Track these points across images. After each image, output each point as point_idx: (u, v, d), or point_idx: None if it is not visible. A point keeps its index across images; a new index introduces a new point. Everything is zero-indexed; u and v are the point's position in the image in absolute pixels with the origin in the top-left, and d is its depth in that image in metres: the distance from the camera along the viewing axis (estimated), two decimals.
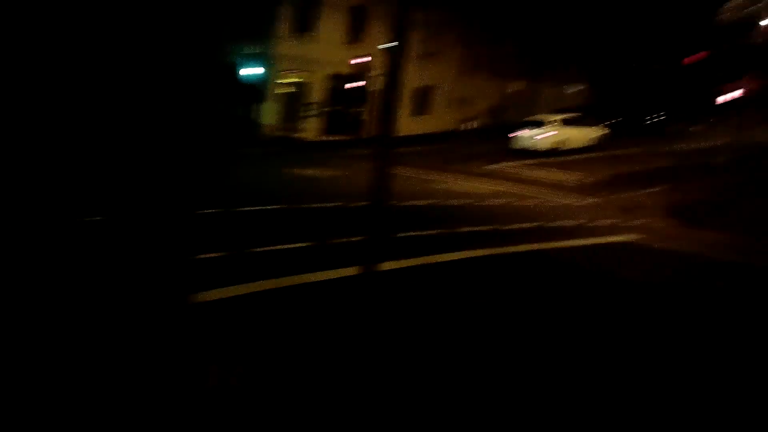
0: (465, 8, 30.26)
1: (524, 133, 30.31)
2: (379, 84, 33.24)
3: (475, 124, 36.38)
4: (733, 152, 22.15)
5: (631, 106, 41.40)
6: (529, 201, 18.15)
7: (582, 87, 46.98)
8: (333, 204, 14.24)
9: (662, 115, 43.74)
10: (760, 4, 31.72)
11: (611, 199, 20.29)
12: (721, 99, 22.52)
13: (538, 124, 30.44)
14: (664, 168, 25.46)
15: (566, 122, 30.81)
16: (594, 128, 32.27)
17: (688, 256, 12.71)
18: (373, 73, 32.04)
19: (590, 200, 20.10)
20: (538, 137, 29.82)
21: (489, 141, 35.58)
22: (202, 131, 26.44)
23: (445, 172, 22.70)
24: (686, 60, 28.66)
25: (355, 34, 33.96)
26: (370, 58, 29.87)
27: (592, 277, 9.99)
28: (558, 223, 14.50)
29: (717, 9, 36.98)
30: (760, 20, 33.76)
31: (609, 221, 15.68)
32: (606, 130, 32.97)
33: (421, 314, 7.31)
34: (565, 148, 30.06)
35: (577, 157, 29.80)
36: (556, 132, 30.09)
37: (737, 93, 21.51)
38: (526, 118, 31.95)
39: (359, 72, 29.99)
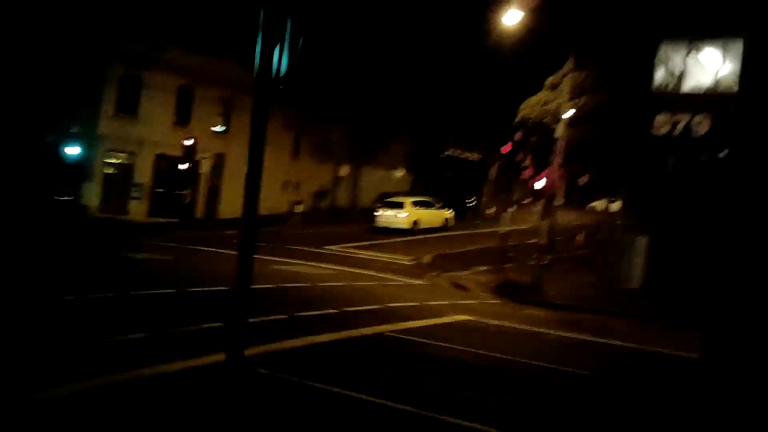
0: (295, 94, 30.99)
1: (387, 213, 33.84)
2: (206, 166, 32.79)
3: (303, 207, 36.78)
4: (548, 233, 24.03)
5: (451, 190, 43.93)
6: (370, 282, 18.44)
7: (405, 172, 49.26)
8: (169, 290, 13.59)
9: (478, 200, 46.80)
10: (560, 101, 35.24)
11: (444, 278, 21.18)
12: (536, 185, 24.50)
13: (399, 205, 34.17)
14: (488, 249, 27.07)
15: (418, 204, 34.97)
16: (445, 210, 36.95)
17: (519, 332, 13.53)
18: (201, 155, 31.59)
19: (425, 280, 20.84)
20: (400, 216, 33.40)
21: (323, 223, 36.13)
22: (25, 211, 24.55)
23: (283, 254, 22.55)
24: (504, 149, 31.12)
25: (183, 115, 33.52)
26: (192, 141, 29.47)
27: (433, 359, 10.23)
28: (398, 304, 14.79)
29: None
30: (559, 116, 37.41)
31: (445, 301, 16.25)
32: (452, 213, 37.08)
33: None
34: (421, 226, 33.79)
35: (409, 238, 31.49)
36: (413, 212, 33.89)
37: (543, 182, 23.62)
38: (386, 200, 35.82)
39: (188, 153, 29.42)
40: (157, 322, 10.42)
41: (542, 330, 13.95)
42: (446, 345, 10.99)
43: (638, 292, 19.69)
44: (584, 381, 9.70)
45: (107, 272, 15.89)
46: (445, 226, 36.06)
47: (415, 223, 33.75)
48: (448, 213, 37.20)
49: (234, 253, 6.42)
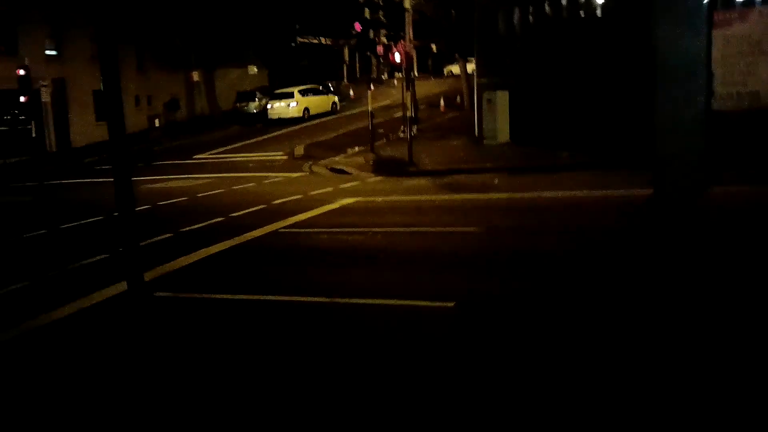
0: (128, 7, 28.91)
1: (278, 104, 35.14)
2: (47, 95, 30.38)
3: (161, 121, 35.30)
4: (411, 105, 24.41)
5: (310, 78, 43.31)
6: (249, 183, 18.21)
7: (258, 68, 47.74)
8: (40, 231, 12.91)
9: (338, 83, 46.45)
10: None
11: (322, 166, 21.22)
12: (393, 59, 24.56)
13: (289, 96, 35.23)
14: (358, 130, 27.30)
15: (306, 92, 36.14)
16: (330, 96, 38.32)
17: (408, 203, 13.96)
18: (40, 83, 29.20)
19: (304, 171, 20.80)
20: (292, 106, 34.79)
21: (187, 134, 34.93)
22: None
23: (153, 171, 21.71)
24: (358, 26, 30.66)
25: (9, 43, 30.61)
26: (24, 71, 27.04)
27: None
28: (283, 200, 14.77)
29: None
30: None
31: (329, 188, 16.34)
32: (336, 98, 38.63)
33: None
34: (312, 113, 35.30)
35: (282, 131, 31.41)
36: (302, 100, 35.23)
37: (398, 55, 23.75)
38: (276, 91, 37.03)
39: (23, 84, 27.02)
40: (41, 266, 9.98)
41: (427, 197, 14.42)
42: (343, 230, 11.19)
43: (505, 146, 20.58)
44: (476, 235, 10.17)
45: None
46: (334, 110, 37.27)
47: (306, 110, 35.12)
48: (335, 97, 38.53)
49: (99, 180, 6.17)
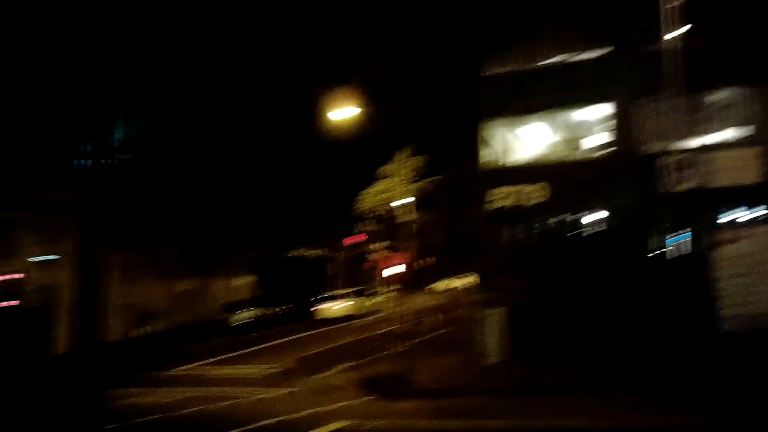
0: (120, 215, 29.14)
1: (325, 306, 37.34)
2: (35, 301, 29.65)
3: (148, 329, 34.29)
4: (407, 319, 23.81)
5: (297, 290, 43.23)
6: (225, 402, 16.95)
7: (250, 278, 47.75)
8: None
9: (331, 296, 46.19)
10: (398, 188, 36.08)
11: (310, 381, 19.98)
12: (386, 273, 24.39)
13: (333, 298, 37.96)
14: (349, 343, 26.36)
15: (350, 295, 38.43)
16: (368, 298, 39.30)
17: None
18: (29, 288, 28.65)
19: (285, 389, 19.51)
20: (336, 307, 36.86)
21: (170, 346, 33.80)
22: None
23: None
24: (347, 240, 31.03)
25: (4, 248, 30.41)
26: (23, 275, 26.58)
27: None
28: (260, 424, 13.51)
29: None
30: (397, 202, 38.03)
31: (320, 408, 15.11)
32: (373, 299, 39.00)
33: None
34: (358, 314, 36.40)
35: (261, 346, 30.28)
36: (350, 302, 37.35)
37: (400, 268, 23.60)
38: (322, 295, 39.61)
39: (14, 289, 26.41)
40: None
41: (416, 421, 13.24)
42: None
43: (506, 364, 19.59)
44: None
45: None
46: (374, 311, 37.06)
47: (352, 311, 36.56)
48: (371, 300, 39.02)
49: None
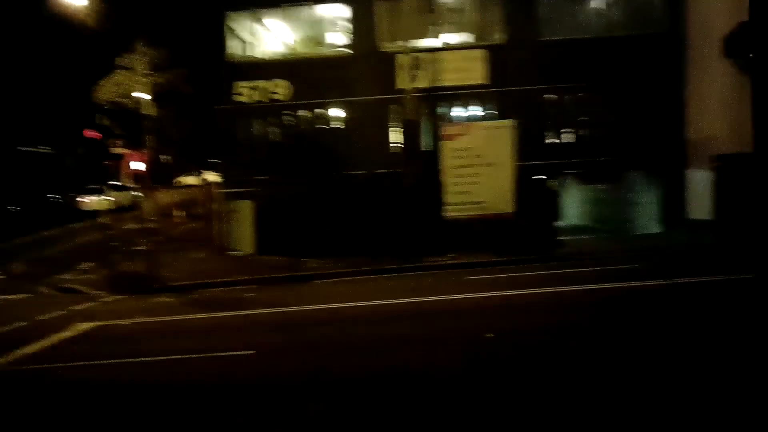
0: None
1: (91, 198, 36.49)
2: None
3: None
4: (150, 215, 23.13)
5: (31, 188, 39.92)
6: None
7: None
8: None
9: (66, 193, 43.15)
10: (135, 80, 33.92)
11: (48, 286, 18.83)
12: (130, 168, 23.47)
13: (99, 191, 36.91)
14: (89, 243, 25.06)
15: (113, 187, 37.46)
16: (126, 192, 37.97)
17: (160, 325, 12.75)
18: None
19: (26, 293, 18.19)
20: (98, 200, 35.70)
21: None
22: None
23: None
24: (86, 133, 28.86)
25: None
26: None
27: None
28: (3, 329, 12.73)
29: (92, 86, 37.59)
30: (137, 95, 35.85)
31: (61, 311, 14.45)
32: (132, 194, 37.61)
33: None
34: (118, 206, 34.77)
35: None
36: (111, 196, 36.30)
37: (140, 164, 22.81)
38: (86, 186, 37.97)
39: None
40: None
41: (179, 317, 13.43)
42: (79, 364, 9.82)
43: (250, 257, 20.20)
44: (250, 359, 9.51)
45: None
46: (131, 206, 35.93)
47: (115, 204, 34.62)
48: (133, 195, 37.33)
49: None
